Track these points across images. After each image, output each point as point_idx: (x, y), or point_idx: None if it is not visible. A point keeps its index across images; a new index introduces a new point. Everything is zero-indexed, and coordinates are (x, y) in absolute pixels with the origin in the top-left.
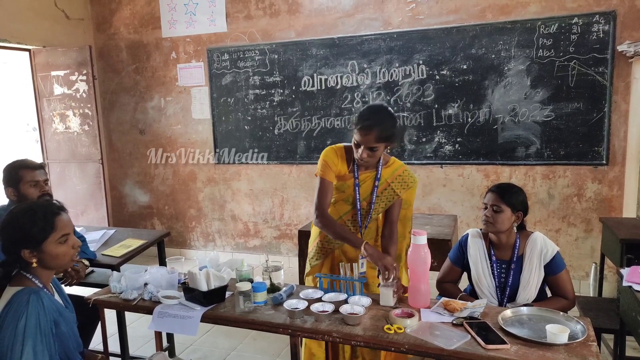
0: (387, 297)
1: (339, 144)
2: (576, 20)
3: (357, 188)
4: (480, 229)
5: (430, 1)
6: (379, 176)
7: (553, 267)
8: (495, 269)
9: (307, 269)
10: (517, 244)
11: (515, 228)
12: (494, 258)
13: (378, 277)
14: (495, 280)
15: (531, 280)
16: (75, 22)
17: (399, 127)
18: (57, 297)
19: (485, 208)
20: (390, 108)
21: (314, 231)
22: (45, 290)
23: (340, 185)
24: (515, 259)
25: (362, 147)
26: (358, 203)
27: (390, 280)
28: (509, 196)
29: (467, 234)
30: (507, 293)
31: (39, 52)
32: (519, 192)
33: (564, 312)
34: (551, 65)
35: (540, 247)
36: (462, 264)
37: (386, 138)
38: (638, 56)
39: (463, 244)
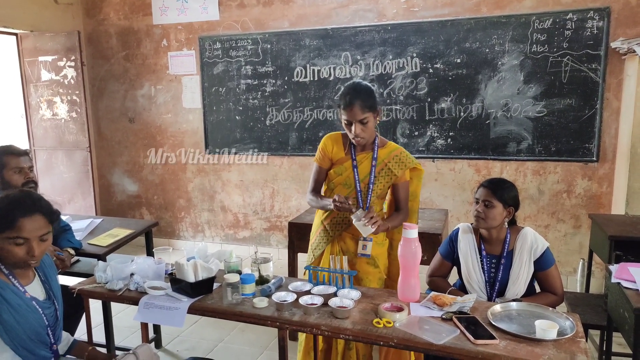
0: (362, 227)
1: (336, 132)
2: (570, 15)
3: (355, 169)
4: (471, 224)
5: None
6: (375, 156)
7: (543, 263)
8: (485, 264)
9: (309, 260)
10: (508, 239)
11: (506, 223)
12: (484, 253)
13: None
14: (485, 275)
15: (521, 275)
16: (64, 7)
17: (375, 94)
18: (34, 286)
19: (477, 203)
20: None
21: (316, 220)
22: (11, 277)
23: (337, 169)
24: (505, 254)
25: (353, 124)
26: (357, 184)
27: (358, 212)
28: (501, 191)
29: (458, 228)
30: (496, 288)
31: (27, 37)
32: (511, 188)
33: (553, 307)
34: (544, 60)
35: (531, 242)
36: (452, 258)
37: (370, 106)
38: (631, 53)
39: (453, 238)
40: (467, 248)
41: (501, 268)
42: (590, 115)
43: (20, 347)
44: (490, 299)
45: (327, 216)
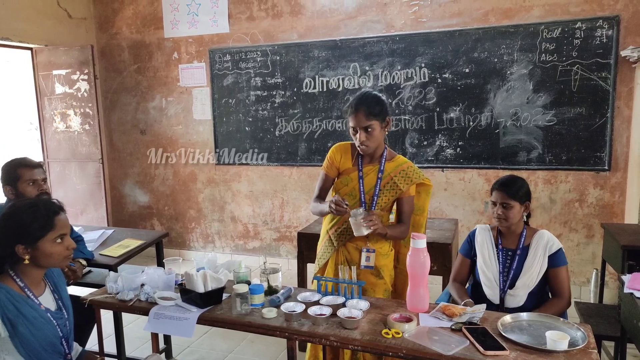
0: (356, 225)
1: (346, 142)
2: (579, 24)
3: (361, 180)
4: (489, 224)
5: (433, 4)
6: (382, 168)
7: (556, 260)
8: (501, 256)
9: (316, 269)
10: (524, 234)
11: (525, 217)
12: (500, 246)
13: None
14: (500, 266)
15: (534, 266)
16: (78, 22)
17: (386, 103)
18: (46, 297)
19: (495, 205)
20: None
21: (323, 229)
22: (27, 290)
23: (344, 179)
24: (521, 247)
25: (358, 131)
26: (362, 196)
27: (359, 210)
28: (514, 191)
29: (476, 228)
30: (510, 277)
31: (41, 51)
32: (523, 184)
33: (561, 312)
34: (554, 69)
35: (547, 239)
36: (471, 254)
37: (376, 114)
38: None
39: (471, 236)
40: (484, 241)
41: (516, 259)
42: (601, 123)
43: (35, 359)
44: (503, 289)
45: (332, 226)
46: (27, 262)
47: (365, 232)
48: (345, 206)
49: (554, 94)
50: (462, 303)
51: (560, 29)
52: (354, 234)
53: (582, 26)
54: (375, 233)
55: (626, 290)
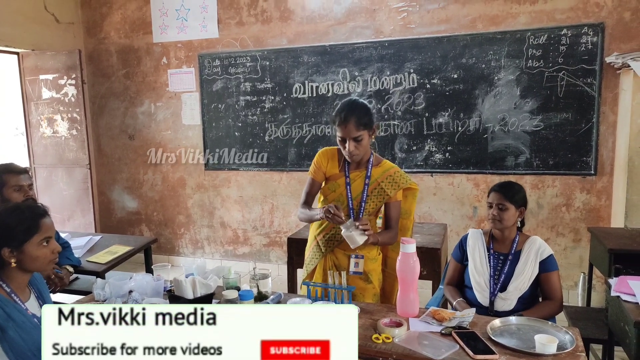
0: (350, 238)
1: (332, 147)
2: (565, 31)
3: (348, 187)
4: (481, 229)
5: (421, 10)
6: (369, 174)
7: (547, 265)
8: (492, 260)
9: (304, 275)
10: (517, 240)
11: (518, 222)
12: (492, 250)
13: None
14: (490, 269)
15: (526, 270)
16: (65, 26)
17: (373, 112)
18: (32, 303)
19: (491, 207)
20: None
21: (311, 234)
22: (13, 295)
23: (331, 185)
24: (513, 252)
25: (347, 141)
26: (350, 202)
27: (348, 222)
28: (511, 194)
29: (469, 232)
30: (500, 280)
31: (28, 56)
32: (520, 189)
33: (553, 315)
34: (540, 75)
35: (539, 245)
36: (462, 259)
37: (365, 124)
38: (626, 68)
39: (463, 240)
40: (475, 245)
41: (508, 263)
42: (587, 128)
43: None
44: (493, 293)
45: (320, 231)
46: (13, 265)
47: (360, 241)
48: (342, 218)
49: (540, 100)
50: (455, 302)
51: (546, 35)
52: (351, 247)
53: (568, 33)
54: (369, 243)
55: (613, 294)
